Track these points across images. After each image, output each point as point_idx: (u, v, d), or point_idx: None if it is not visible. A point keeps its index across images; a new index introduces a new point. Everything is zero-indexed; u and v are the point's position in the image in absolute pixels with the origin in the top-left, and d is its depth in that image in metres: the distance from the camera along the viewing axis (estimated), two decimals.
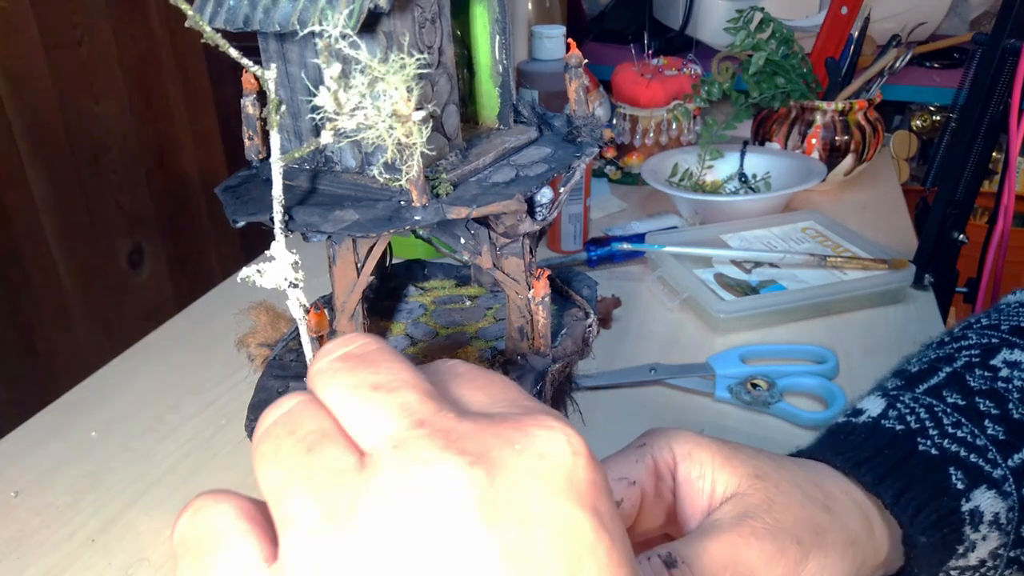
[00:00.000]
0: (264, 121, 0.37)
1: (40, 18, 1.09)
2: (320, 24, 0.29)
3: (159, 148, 1.34)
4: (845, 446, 0.38)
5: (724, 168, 1.09)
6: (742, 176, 1.08)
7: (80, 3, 1.15)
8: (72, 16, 1.14)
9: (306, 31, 0.30)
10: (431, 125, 0.32)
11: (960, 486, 0.36)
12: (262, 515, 0.21)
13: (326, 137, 0.29)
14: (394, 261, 0.53)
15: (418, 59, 0.29)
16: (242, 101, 0.35)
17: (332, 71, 0.28)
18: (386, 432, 0.20)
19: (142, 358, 0.78)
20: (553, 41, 0.95)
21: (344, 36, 0.28)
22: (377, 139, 0.29)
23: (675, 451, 0.35)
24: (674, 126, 1.13)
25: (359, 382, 0.21)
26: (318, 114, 0.29)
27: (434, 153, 0.32)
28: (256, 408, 0.40)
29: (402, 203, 0.34)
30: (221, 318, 0.81)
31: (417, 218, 0.33)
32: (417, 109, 0.29)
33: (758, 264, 0.84)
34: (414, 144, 0.30)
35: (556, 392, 0.42)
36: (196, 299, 0.88)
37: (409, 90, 0.29)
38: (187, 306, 0.87)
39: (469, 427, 0.20)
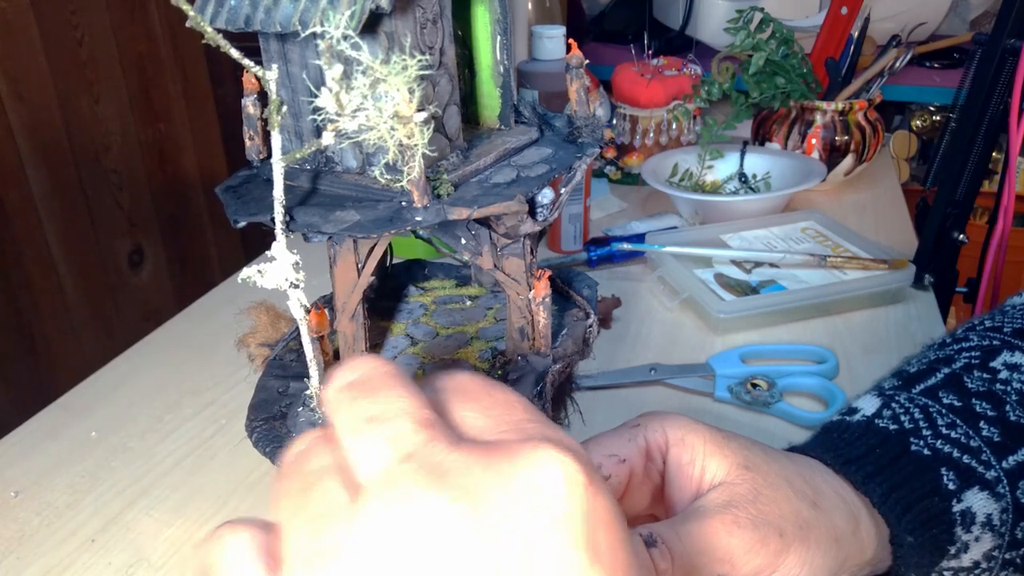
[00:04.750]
0: (265, 121, 0.37)
1: (40, 18, 1.09)
2: (322, 25, 0.29)
3: (159, 148, 1.34)
4: (837, 444, 0.38)
5: (724, 168, 1.09)
6: (742, 176, 1.08)
7: (80, 3, 1.14)
8: (72, 16, 1.14)
9: (308, 32, 0.30)
10: (432, 126, 0.32)
11: (951, 487, 0.36)
12: (277, 547, 0.21)
13: (327, 138, 0.29)
14: (395, 261, 0.53)
15: (420, 60, 0.29)
16: (243, 101, 0.35)
17: (334, 72, 0.28)
18: (377, 467, 0.20)
19: (142, 358, 0.78)
20: (553, 41, 0.95)
21: (346, 37, 0.27)
22: (379, 140, 0.29)
23: (668, 435, 0.35)
24: (674, 126, 1.13)
25: (358, 414, 0.22)
26: (319, 115, 0.29)
27: (435, 154, 0.32)
28: (256, 408, 0.40)
29: (403, 204, 0.34)
30: (221, 318, 0.81)
31: (418, 219, 0.33)
32: (419, 110, 0.29)
33: (758, 264, 0.84)
34: (415, 145, 0.30)
35: (557, 392, 0.42)
36: (196, 299, 0.88)
37: (411, 91, 0.29)
38: (187, 306, 0.87)
39: (459, 459, 0.20)
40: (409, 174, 0.32)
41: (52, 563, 0.54)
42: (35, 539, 0.56)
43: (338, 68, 0.28)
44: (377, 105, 0.29)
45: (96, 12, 1.17)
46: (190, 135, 1.41)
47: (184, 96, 1.38)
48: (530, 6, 1.32)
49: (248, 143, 0.37)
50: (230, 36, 0.33)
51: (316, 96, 0.28)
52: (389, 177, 0.34)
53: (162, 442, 0.65)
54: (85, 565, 0.53)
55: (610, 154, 1.19)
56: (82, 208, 1.19)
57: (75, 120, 1.16)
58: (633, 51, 1.17)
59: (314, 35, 0.28)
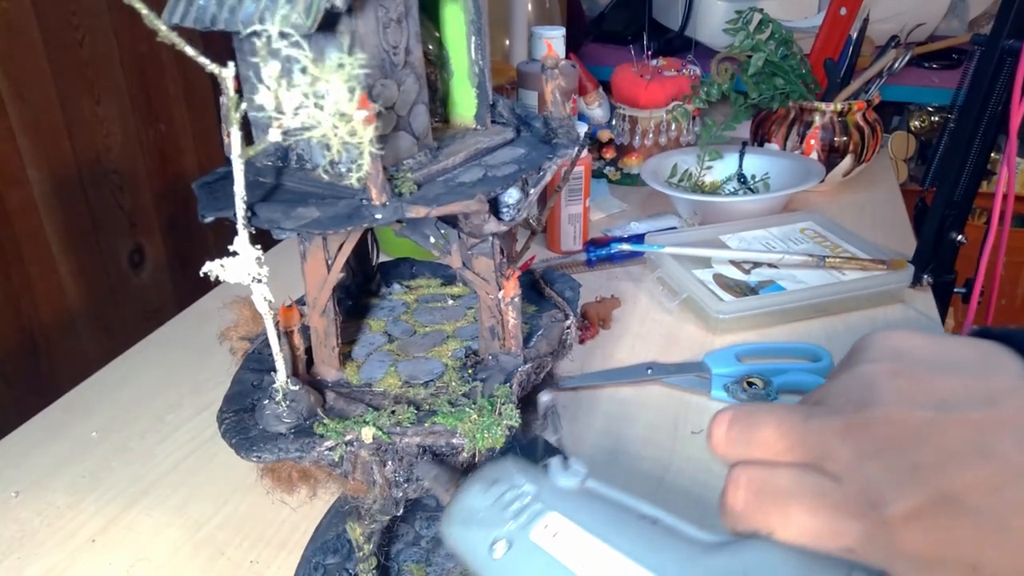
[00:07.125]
0: (245, 118, 0.37)
1: (40, 18, 1.09)
2: (274, 23, 0.29)
3: (159, 148, 1.34)
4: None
5: (723, 169, 1.09)
6: (741, 177, 1.08)
7: (81, 3, 1.14)
8: (73, 16, 1.14)
9: (248, 31, 0.30)
10: (380, 124, 0.32)
11: None
12: None
13: (273, 135, 0.29)
14: (387, 260, 0.53)
15: (358, 59, 0.29)
16: (220, 99, 0.36)
17: (270, 70, 0.28)
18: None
19: (142, 358, 0.78)
20: (553, 42, 0.95)
21: (284, 35, 0.28)
22: (322, 138, 0.30)
23: None
24: (673, 127, 1.13)
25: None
26: (261, 113, 0.29)
27: (382, 152, 0.32)
28: (230, 400, 0.41)
29: (364, 201, 0.34)
30: (221, 318, 0.81)
31: (377, 216, 0.33)
32: (360, 108, 0.29)
33: (757, 264, 0.85)
34: (360, 143, 0.30)
35: (532, 393, 0.42)
36: (196, 299, 0.89)
37: (351, 90, 0.29)
38: (187, 306, 0.87)
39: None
40: (357, 171, 0.32)
41: (53, 563, 0.54)
42: (36, 539, 0.56)
43: (274, 66, 0.28)
44: (318, 103, 0.29)
45: (97, 13, 1.17)
46: (190, 135, 1.41)
47: (184, 97, 1.38)
48: (530, 7, 1.32)
49: (226, 140, 0.37)
50: (222, 37, 0.33)
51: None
52: (332, 174, 0.34)
53: (162, 442, 0.65)
54: (85, 565, 0.54)
55: (609, 155, 1.19)
56: (82, 208, 1.19)
57: (76, 120, 1.16)
58: (632, 52, 1.17)
59: (256, 34, 0.28)
